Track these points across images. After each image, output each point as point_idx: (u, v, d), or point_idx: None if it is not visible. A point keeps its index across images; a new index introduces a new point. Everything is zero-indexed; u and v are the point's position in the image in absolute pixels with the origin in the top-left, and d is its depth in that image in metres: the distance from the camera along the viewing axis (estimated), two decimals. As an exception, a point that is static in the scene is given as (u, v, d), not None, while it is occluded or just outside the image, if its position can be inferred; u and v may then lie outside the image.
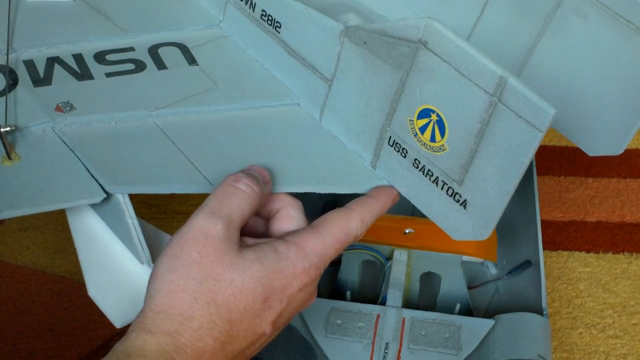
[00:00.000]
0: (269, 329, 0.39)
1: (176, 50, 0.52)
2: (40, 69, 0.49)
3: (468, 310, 0.58)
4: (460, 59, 0.38)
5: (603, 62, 0.47)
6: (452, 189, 0.41)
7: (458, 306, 0.57)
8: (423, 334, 0.52)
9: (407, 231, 0.60)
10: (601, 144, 0.49)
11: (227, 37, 0.53)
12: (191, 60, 0.51)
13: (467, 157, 0.39)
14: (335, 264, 0.60)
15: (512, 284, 0.60)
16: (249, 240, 0.40)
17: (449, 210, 0.41)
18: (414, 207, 0.65)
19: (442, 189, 0.41)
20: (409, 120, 0.41)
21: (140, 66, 0.50)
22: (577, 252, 0.69)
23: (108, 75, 0.49)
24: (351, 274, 0.59)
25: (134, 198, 0.43)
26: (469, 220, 0.41)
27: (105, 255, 0.44)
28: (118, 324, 0.44)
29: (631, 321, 0.63)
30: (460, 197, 0.41)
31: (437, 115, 0.40)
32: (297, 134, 0.47)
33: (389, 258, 0.59)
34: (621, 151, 0.49)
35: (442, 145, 0.40)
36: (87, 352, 0.64)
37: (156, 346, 0.36)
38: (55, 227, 0.72)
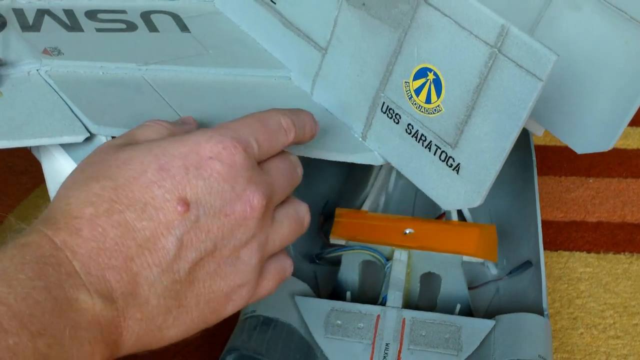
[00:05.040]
0: (181, 207, 0.34)
1: (169, 18, 0.51)
2: (30, 17, 0.47)
3: (468, 311, 0.57)
4: (462, 12, 0.37)
5: (595, 53, 0.46)
6: (446, 153, 0.39)
7: (458, 307, 0.56)
8: (423, 334, 0.52)
9: (407, 231, 0.60)
10: (590, 140, 0.48)
11: (220, 13, 0.53)
12: (183, 27, 0.50)
13: (463, 116, 0.38)
14: (335, 264, 0.60)
15: (512, 284, 0.60)
16: None
17: (441, 176, 0.40)
18: (414, 207, 0.65)
19: (434, 153, 0.40)
20: (405, 82, 0.40)
21: (131, 27, 0.49)
22: (577, 253, 0.68)
23: (98, 30, 0.48)
24: (351, 274, 0.58)
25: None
26: (462, 185, 0.39)
27: None
28: None
29: (632, 321, 0.62)
30: (454, 161, 0.39)
31: (435, 74, 0.39)
32: (287, 104, 0.46)
33: (389, 258, 0.59)
34: (610, 147, 0.48)
35: (438, 106, 0.39)
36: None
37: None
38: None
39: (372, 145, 0.44)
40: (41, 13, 0.49)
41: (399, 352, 0.50)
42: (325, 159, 0.43)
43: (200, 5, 0.53)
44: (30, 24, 0.47)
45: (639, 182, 0.74)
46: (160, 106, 0.44)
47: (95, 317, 0.32)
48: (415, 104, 0.41)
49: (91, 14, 0.50)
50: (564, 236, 0.69)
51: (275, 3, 0.48)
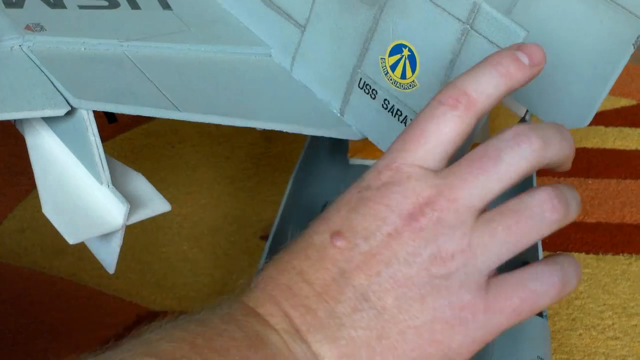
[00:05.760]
0: (336, 240, 0.33)
1: None
2: None
3: (468, 312, 0.57)
4: None
5: (571, 33, 0.47)
6: None
7: (458, 307, 0.56)
8: (423, 335, 0.52)
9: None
10: (566, 117, 0.49)
11: None
12: (165, 5, 0.51)
13: (437, 91, 0.40)
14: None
15: (511, 285, 0.60)
16: None
17: None
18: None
19: None
20: (381, 58, 0.41)
21: (113, 4, 0.49)
22: (576, 253, 0.69)
23: (81, 7, 0.49)
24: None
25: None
26: None
27: (63, 176, 0.43)
28: (72, 240, 0.43)
29: (631, 322, 0.62)
30: None
31: (409, 50, 0.40)
32: (267, 80, 0.47)
33: (389, 259, 0.59)
34: (586, 124, 0.49)
35: (413, 81, 0.40)
36: (87, 353, 0.63)
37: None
38: (53, 228, 0.71)
39: (350, 120, 0.45)
40: None
41: (398, 352, 0.50)
42: (303, 133, 0.44)
43: None
44: (14, 0, 0.48)
45: (637, 183, 0.74)
46: (141, 81, 0.44)
47: (293, 355, 0.32)
48: (391, 79, 0.42)
49: None
50: (562, 237, 0.69)
51: None
